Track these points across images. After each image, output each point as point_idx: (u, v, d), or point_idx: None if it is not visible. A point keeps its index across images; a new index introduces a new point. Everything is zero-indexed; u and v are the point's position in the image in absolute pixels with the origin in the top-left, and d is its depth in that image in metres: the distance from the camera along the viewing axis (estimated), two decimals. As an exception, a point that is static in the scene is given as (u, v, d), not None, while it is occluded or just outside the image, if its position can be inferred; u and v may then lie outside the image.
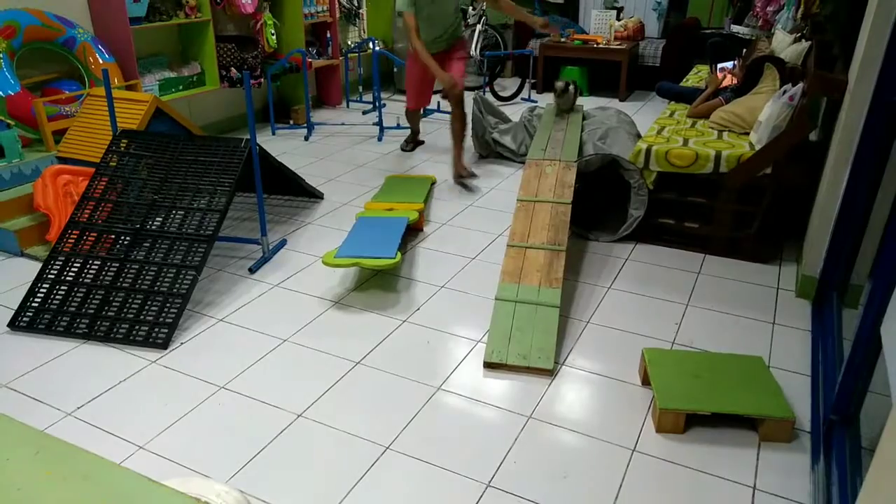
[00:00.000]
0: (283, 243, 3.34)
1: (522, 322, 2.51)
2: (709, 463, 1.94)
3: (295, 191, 3.89)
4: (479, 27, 6.58)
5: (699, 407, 2.05)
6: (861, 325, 1.76)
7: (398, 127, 5.29)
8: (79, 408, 2.16)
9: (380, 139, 5.10)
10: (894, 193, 2.29)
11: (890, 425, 0.90)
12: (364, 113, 5.82)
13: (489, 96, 6.06)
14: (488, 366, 2.37)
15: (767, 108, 3.16)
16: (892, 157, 2.29)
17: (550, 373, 2.33)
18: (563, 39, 6.49)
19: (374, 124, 5.25)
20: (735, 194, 3.09)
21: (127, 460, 1.94)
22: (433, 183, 4.11)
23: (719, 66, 4.02)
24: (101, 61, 3.92)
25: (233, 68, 4.87)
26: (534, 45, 6.68)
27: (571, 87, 4.08)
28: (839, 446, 1.83)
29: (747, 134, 3.33)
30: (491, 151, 4.67)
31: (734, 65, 4.13)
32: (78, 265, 2.73)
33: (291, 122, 5.46)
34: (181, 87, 4.65)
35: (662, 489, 1.86)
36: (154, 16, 4.34)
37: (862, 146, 2.43)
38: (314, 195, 3.91)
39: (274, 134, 5.23)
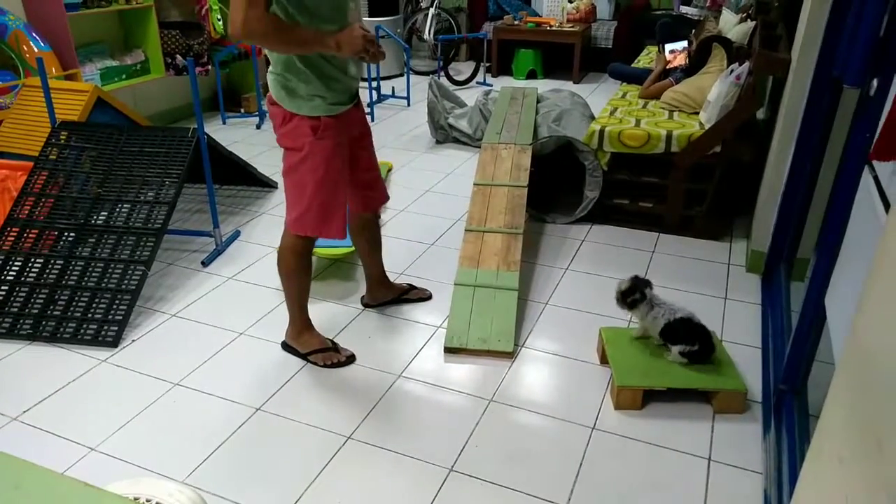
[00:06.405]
0: (236, 235, 3.26)
1: (482, 306, 2.51)
2: (666, 437, 1.98)
3: (247, 180, 3.80)
4: (431, 10, 6.51)
5: (655, 383, 2.09)
6: (807, 297, 1.81)
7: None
8: (25, 412, 2.08)
9: (334, 126, 5.01)
10: (836, 168, 2.35)
11: (832, 391, 0.93)
12: (317, 100, 5.70)
13: (444, 81, 6.01)
14: (449, 351, 2.37)
15: (715, 87, 3.21)
16: (834, 133, 2.35)
17: (510, 355, 2.34)
18: (516, 22, 6.48)
19: (328, 111, 5.16)
20: (686, 173, 3.15)
21: (78, 463, 1.88)
22: (389, 169, 4.07)
23: (668, 46, 4.06)
24: (35, 50, 3.74)
25: (178, 55, 4.71)
26: (487, 28, 6.65)
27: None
28: (788, 415, 1.89)
29: (697, 113, 3.38)
30: (447, 137, 4.65)
31: (686, 45, 4.17)
32: (19, 264, 2.61)
33: (242, 110, 5.32)
34: (124, 76, 4.47)
35: (622, 465, 1.89)
36: (92, 2, 4.15)
37: (805, 123, 2.49)
38: (267, 184, 3.83)
39: (224, 123, 5.10)
